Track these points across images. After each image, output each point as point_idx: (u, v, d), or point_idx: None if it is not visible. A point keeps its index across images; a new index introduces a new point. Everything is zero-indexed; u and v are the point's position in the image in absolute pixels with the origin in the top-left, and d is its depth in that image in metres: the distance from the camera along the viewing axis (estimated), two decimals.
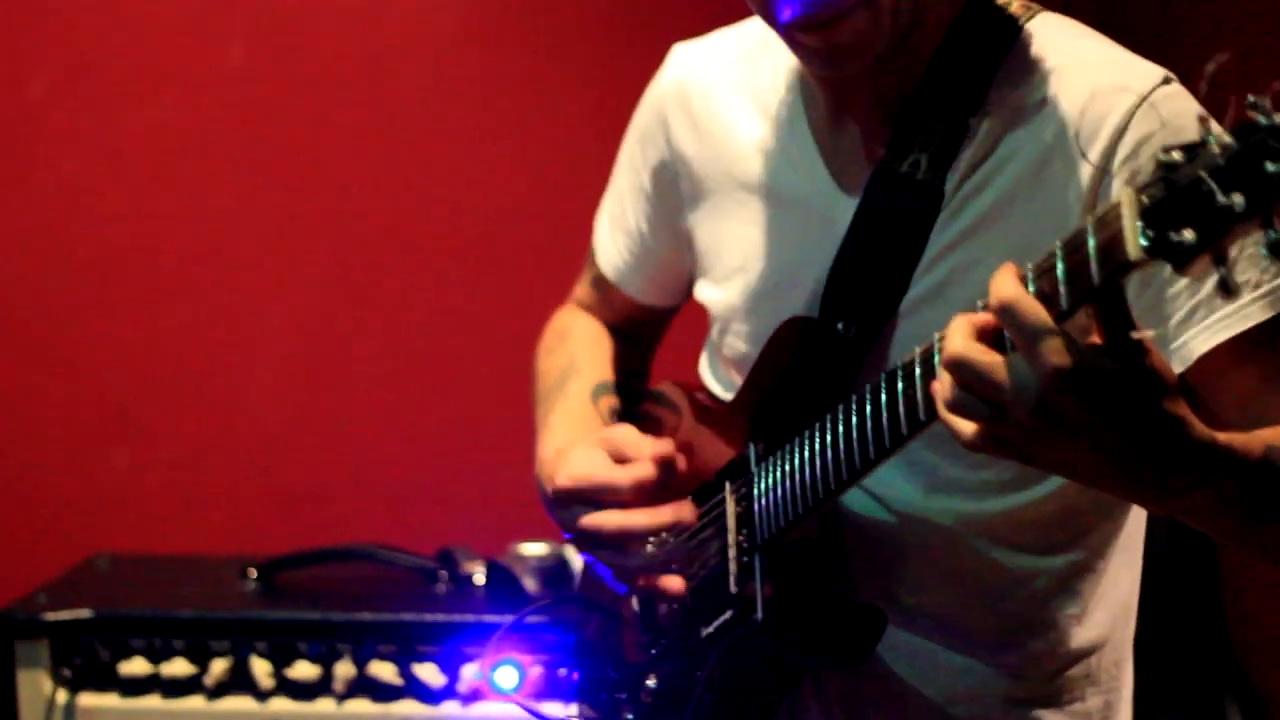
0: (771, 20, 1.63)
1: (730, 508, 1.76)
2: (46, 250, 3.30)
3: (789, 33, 1.63)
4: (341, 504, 3.34)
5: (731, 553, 1.73)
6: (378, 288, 3.36)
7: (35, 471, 3.34)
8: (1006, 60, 1.66)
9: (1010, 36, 1.67)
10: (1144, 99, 1.57)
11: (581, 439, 1.85)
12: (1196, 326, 1.55)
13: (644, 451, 1.76)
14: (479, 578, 2.91)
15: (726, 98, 1.86)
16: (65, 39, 3.23)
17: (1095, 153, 1.58)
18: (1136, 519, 1.82)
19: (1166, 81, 1.59)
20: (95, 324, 3.33)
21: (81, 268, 3.31)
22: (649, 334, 2.16)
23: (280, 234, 3.33)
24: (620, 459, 1.78)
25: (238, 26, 3.26)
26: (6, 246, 3.29)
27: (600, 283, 2.10)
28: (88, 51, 3.23)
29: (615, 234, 2.05)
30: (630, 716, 1.84)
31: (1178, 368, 1.55)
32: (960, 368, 1.29)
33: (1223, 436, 1.34)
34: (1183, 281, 1.53)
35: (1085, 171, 1.59)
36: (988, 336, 1.30)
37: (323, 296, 3.36)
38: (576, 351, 2.07)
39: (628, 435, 1.80)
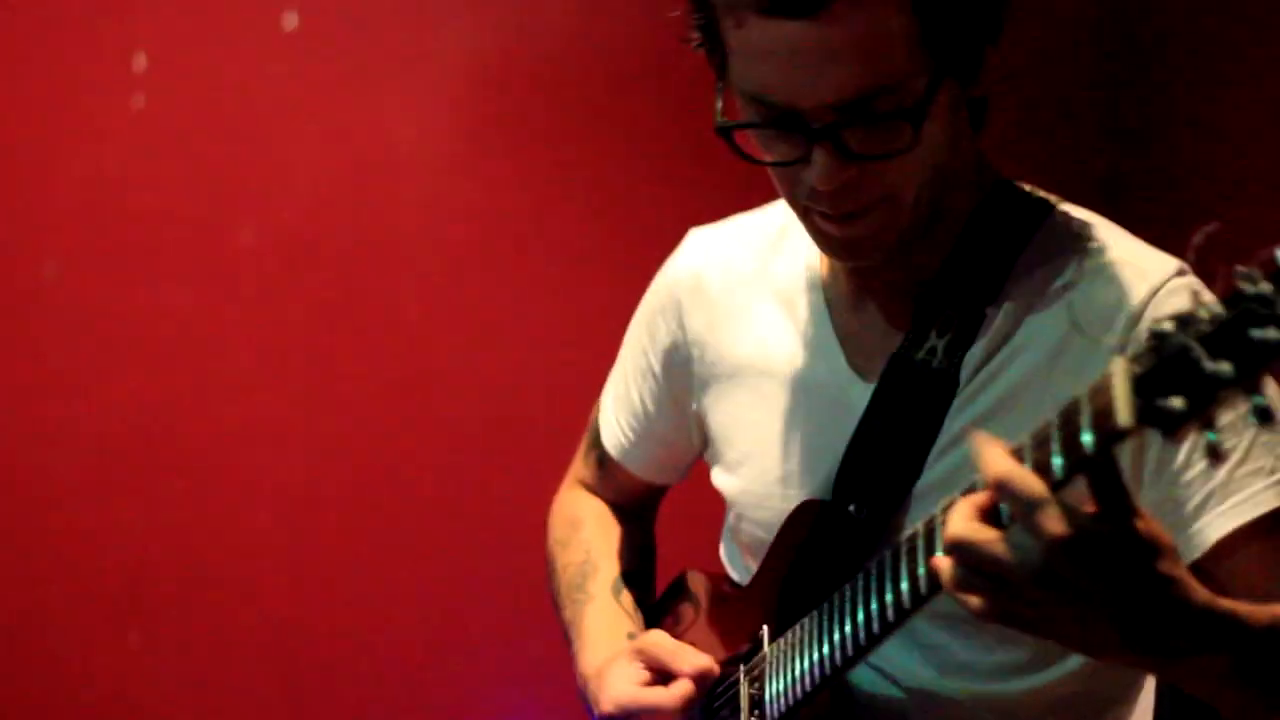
0: (794, 204, 1.67)
1: (744, 690, 1.76)
2: (56, 430, 3.26)
3: (810, 218, 1.66)
4: (364, 684, 3.31)
5: None
6: (395, 472, 3.34)
7: (40, 669, 3.26)
8: (1025, 253, 1.70)
9: (1030, 228, 1.71)
10: (1157, 290, 1.61)
11: (615, 652, 1.88)
12: (1211, 513, 1.58)
13: (681, 663, 1.78)
14: None
15: (744, 284, 1.89)
16: (70, 228, 3.23)
17: (1108, 345, 1.62)
18: (1144, 705, 1.80)
19: (1180, 273, 1.63)
20: (107, 504, 3.26)
21: (91, 445, 3.26)
22: (650, 510, 2.19)
23: (293, 415, 3.31)
24: (658, 670, 1.77)
25: (245, 211, 3.27)
26: (15, 425, 3.25)
27: (602, 460, 2.12)
28: (93, 238, 3.24)
29: (620, 412, 2.07)
30: None
31: (1194, 554, 1.58)
32: (960, 548, 1.31)
33: (1225, 602, 1.36)
34: (1196, 469, 1.58)
35: (1098, 364, 1.59)
36: (986, 513, 1.32)
37: (341, 475, 3.33)
38: (592, 544, 2.10)
39: (662, 644, 1.83)
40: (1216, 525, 1.57)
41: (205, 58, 3.18)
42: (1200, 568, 1.55)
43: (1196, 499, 1.58)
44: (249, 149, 3.22)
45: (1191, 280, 1.62)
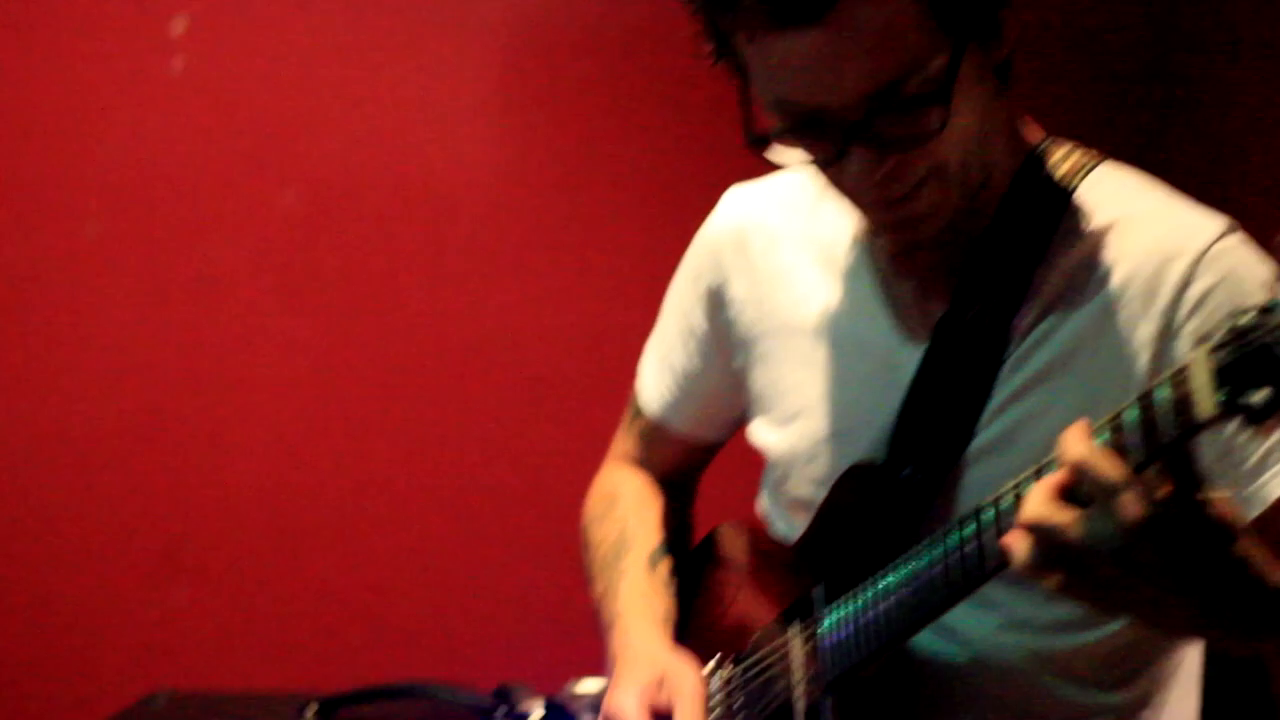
0: (842, 195, 1.68)
1: (797, 648, 1.77)
2: (99, 392, 3.34)
3: (861, 206, 1.68)
4: (401, 638, 3.36)
5: (798, 692, 1.75)
6: (434, 426, 3.39)
7: (91, 610, 3.36)
8: (1069, 212, 1.70)
9: (1073, 189, 1.71)
10: (1206, 251, 1.62)
11: (651, 661, 1.88)
12: (1269, 472, 1.59)
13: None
14: (535, 715, 2.90)
15: (785, 242, 1.89)
16: (110, 191, 3.27)
17: (1160, 304, 1.63)
18: (1195, 650, 1.82)
19: (1229, 231, 1.64)
20: (150, 461, 3.36)
21: (134, 407, 3.35)
22: (693, 477, 2.18)
23: (333, 374, 3.37)
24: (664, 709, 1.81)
25: (283, 174, 3.30)
26: (59, 388, 3.33)
27: (644, 429, 2.12)
28: (133, 201, 3.28)
29: (662, 373, 2.07)
30: None
31: (1253, 511, 1.59)
32: (1038, 529, 1.34)
33: None
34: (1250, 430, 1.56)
35: (1150, 323, 1.63)
36: (1063, 494, 1.35)
37: (378, 432, 3.39)
38: (627, 518, 2.09)
39: (686, 692, 1.82)
40: (1276, 483, 1.58)
41: (244, 21, 3.20)
42: (1261, 526, 1.55)
43: (1254, 458, 1.59)
44: (288, 112, 3.25)
45: (1239, 238, 1.64)
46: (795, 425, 1.87)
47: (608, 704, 1.86)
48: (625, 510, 2.10)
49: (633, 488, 2.13)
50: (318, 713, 2.93)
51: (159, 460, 3.36)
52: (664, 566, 2.03)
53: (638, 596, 1.99)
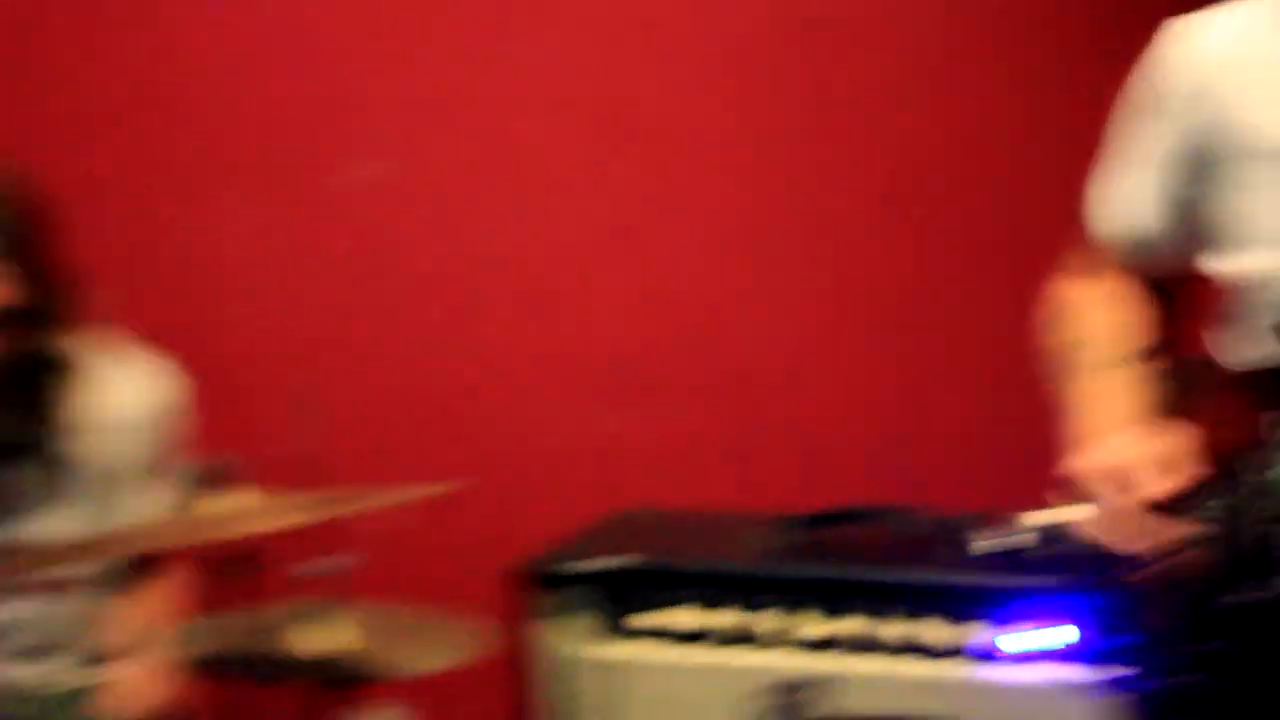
0: None
1: (1270, 474, 1.72)
2: (551, 225, 3.49)
3: None
4: (874, 465, 3.38)
5: (1266, 516, 1.71)
6: (876, 263, 3.43)
7: (567, 427, 3.48)
8: None
9: None
10: None
11: (1124, 426, 1.85)
12: None
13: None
14: (1019, 540, 2.90)
15: (1240, 67, 1.85)
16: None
17: None
18: None
19: None
20: (604, 283, 3.48)
21: (583, 225, 3.48)
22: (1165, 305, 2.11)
23: (756, 199, 3.45)
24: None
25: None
26: (508, 229, 3.49)
27: (1102, 258, 2.07)
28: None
29: (1126, 205, 2.03)
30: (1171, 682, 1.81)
31: None
32: None
33: None
34: None
35: None
36: None
37: (827, 263, 3.44)
38: (1094, 320, 2.06)
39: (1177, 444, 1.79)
40: None
41: None
42: None
43: None
44: None
45: None
46: (1269, 249, 1.83)
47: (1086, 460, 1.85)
48: (1092, 314, 2.07)
49: (1100, 293, 2.08)
50: (798, 532, 2.98)
51: (612, 282, 3.48)
52: (1134, 370, 1.98)
53: (1105, 389, 1.96)
